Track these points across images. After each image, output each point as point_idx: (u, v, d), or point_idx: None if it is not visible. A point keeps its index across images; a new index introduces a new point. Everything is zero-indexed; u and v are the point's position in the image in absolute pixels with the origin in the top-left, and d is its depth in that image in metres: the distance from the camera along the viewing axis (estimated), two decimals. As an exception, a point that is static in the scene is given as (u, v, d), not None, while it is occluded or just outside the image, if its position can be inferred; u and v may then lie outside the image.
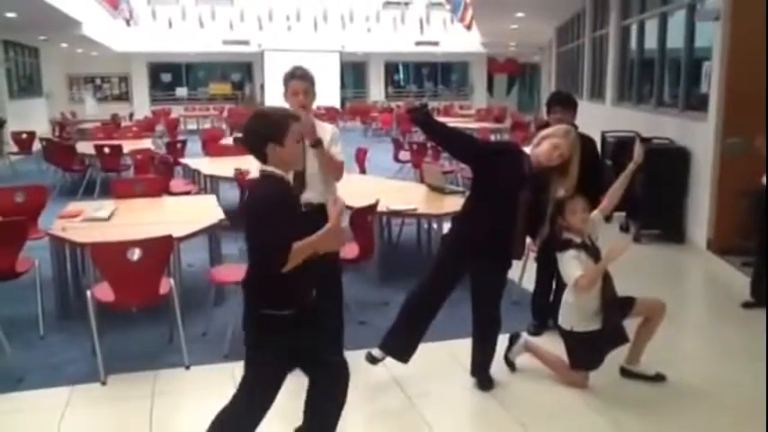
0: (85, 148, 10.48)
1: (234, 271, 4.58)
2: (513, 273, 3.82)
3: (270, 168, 2.55)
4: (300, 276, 2.53)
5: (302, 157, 2.54)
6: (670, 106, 8.17)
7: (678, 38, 7.89)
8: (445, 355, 4.13)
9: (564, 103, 4.44)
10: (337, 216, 2.54)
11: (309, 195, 3.65)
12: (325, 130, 3.78)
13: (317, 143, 3.56)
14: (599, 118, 10.08)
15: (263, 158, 2.56)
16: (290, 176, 2.63)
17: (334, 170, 3.73)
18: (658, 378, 3.76)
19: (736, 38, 6.20)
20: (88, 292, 3.91)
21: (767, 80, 5.79)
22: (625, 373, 3.80)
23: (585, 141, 4.30)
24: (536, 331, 4.35)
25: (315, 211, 3.68)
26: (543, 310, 4.47)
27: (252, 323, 2.61)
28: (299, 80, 3.70)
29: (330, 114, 20.99)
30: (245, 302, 2.61)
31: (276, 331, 2.57)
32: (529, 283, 4.73)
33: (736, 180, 6.02)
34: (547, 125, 4.36)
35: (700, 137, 6.76)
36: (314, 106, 3.90)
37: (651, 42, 9.01)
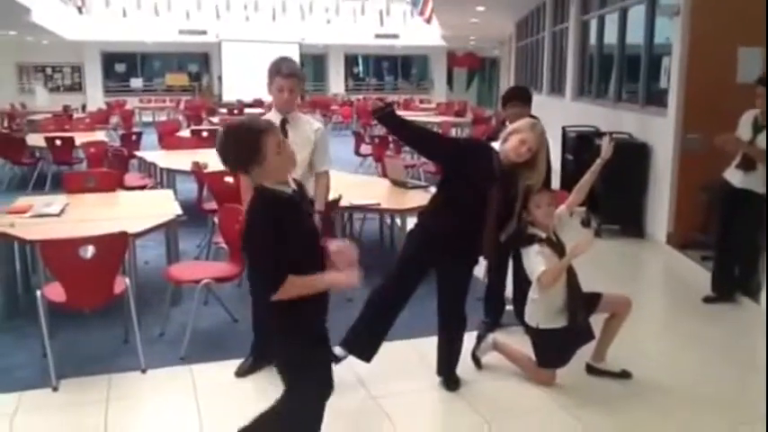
0: (36, 140, 10.11)
1: (192, 269, 4.46)
2: (477, 269, 3.77)
3: (261, 183, 2.35)
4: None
5: (291, 157, 2.34)
6: (630, 101, 8.23)
7: (638, 33, 7.95)
8: (410, 354, 4.06)
9: (523, 97, 4.43)
10: (349, 264, 2.41)
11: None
12: (311, 128, 3.76)
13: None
14: (559, 113, 10.14)
15: (251, 177, 2.37)
16: (289, 182, 2.41)
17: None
18: (624, 375, 3.75)
19: (695, 33, 6.25)
20: (38, 292, 3.72)
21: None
22: (591, 370, 3.78)
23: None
24: (488, 329, 4.21)
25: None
26: (496, 308, 4.44)
27: (291, 344, 2.47)
28: (286, 78, 3.60)
29: (289, 107, 20.76)
30: (271, 323, 2.48)
31: (314, 346, 2.49)
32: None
33: (695, 175, 6.09)
34: (504, 122, 4.32)
35: (659, 132, 6.82)
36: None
37: (611, 37, 9.07)
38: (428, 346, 3.82)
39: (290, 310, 2.35)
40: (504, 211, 3.43)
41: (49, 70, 26.03)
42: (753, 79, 5.15)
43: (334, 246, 2.44)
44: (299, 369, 2.48)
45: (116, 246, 3.80)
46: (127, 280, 3.91)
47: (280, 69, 3.61)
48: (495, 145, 3.47)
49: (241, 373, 3.75)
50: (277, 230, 2.28)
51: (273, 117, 3.68)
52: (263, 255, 2.29)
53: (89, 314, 4.16)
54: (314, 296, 2.38)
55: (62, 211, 4.80)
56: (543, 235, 3.53)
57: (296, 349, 2.46)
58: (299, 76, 3.66)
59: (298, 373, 2.49)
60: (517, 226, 3.54)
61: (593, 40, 10.12)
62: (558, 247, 3.55)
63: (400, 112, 3.71)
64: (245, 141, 2.28)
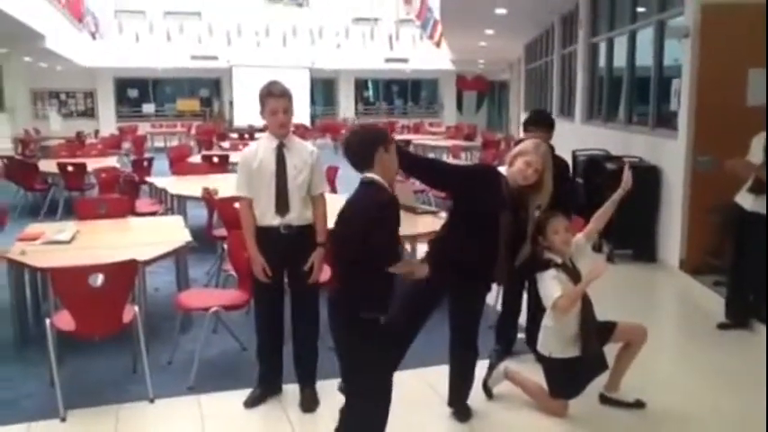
0: (49, 166, 10.19)
1: (201, 296, 4.45)
2: (489, 296, 3.73)
3: (372, 176, 2.75)
4: (392, 282, 2.77)
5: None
6: (640, 124, 8.21)
7: (647, 55, 7.95)
8: (421, 384, 4.01)
9: (537, 123, 4.40)
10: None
11: (291, 217, 3.54)
12: (306, 151, 3.68)
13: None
14: (569, 136, 10.11)
15: (368, 164, 2.75)
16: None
17: None
18: (638, 405, 3.69)
19: (705, 55, 6.23)
20: (47, 321, 3.72)
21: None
22: (604, 400, 3.72)
23: (559, 163, 4.25)
24: (498, 358, 4.15)
25: (295, 234, 3.57)
26: (508, 336, 4.38)
27: (354, 329, 2.76)
28: (278, 98, 3.54)
29: (300, 131, 20.89)
30: (339, 311, 2.80)
31: (374, 336, 2.76)
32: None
33: (707, 198, 6.04)
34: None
35: (670, 155, 6.78)
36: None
37: (620, 60, 9.08)
38: (438, 376, 3.77)
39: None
40: (516, 235, 3.40)
41: (62, 96, 26.33)
42: (762, 102, 5.12)
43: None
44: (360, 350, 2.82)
45: (125, 274, 3.80)
46: (136, 308, 3.90)
47: (271, 91, 3.54)
48: (503, 169, 3.45)
49: (250, 403, 3.72)
50: (394, 212, 2.76)
51: (268, 143, 3.61)
52: (389, 231, 2.70)
53: (98, 342, 4.14)
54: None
55: (73, 238, 4.81)
56: (559, 260, 3.50)
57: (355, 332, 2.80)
58: (290, 97, 3.59)
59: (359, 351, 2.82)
60: (532, 250, 3.51)
61: (602, 62, 10.13)
62: (574, 274, 3.51)
63: (410, 136, 3.71)
64: (377, 128, 3.06)
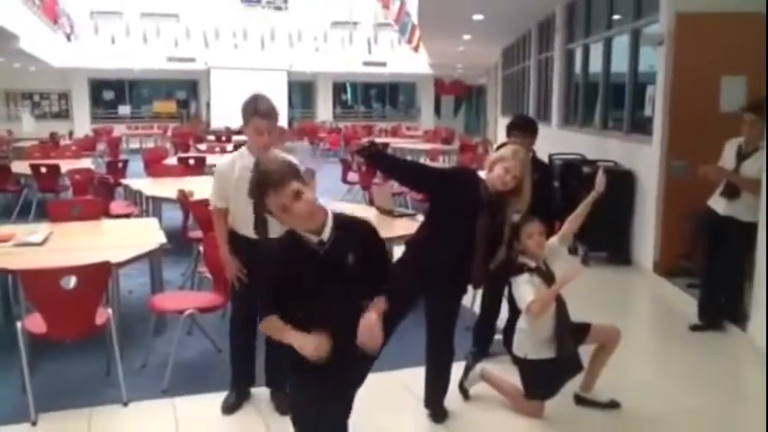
0: (21, 167, 10.03)
1: (176, 299, 4.41)
2: (466, 298, 3.74)
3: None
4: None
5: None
6: (615, 129, 8.30)
7: (622, 62, 8.04)
8: (397, 386, 4.00)
9: (520, 128, 4.44)
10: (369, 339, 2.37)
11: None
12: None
13: None
14: (545, 140, 10.11)
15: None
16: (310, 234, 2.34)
17: None
18: (612, 405, 3.72)
19: (679, 63, 6.32)
20: (18, 324, 3.65)
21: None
22: (579, 400, 3.75)
23: (540, 167, 4.29)
24: (475, 360, 4.12)
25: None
26: (485, 338, 4.40)
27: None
28: (264, 118, 3.41)
29: (277, 134, 20.76)
30: None
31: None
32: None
33: (680, 202, 6.12)
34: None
35: (644, 160, 6.86)
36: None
37: (596, 66, 9.17)
38: (414, 378, 3.77)
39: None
40: (493, 239, 3.42)
41: (36, 97, 25.94)
42: (735, 108, 5.20)
43: (366, 319, 2.36)
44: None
45: (99, 276, 3.74)
46: (110, 310, 3.85)
47: (258, 109, 3.39)
48: (482, 174, 3.47)
49: (227, 410, 3.67)
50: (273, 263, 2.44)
51: (246, 158, 3.48)
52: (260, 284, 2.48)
53: (70, 345, 4.08)
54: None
55: (45, 240, 4.74)
56: (533, 264, 3.52)
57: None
58: (276, 116, 3.48)
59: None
60: (507, 254, 3.52)
61: (578, 68, 10.23)
62: (548, 277, 3.53)
63: (388, 140, 3.72)
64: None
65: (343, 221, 2.39)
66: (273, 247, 2.51)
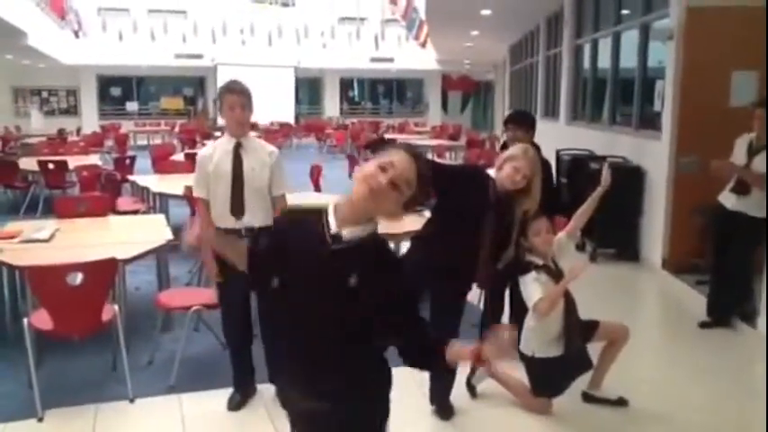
0: (29, 164, 10.07)
1: (182, 295, 4.40)
2: (473, 295, 3.72)
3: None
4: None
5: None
6: (624, 125, 8.24)
7: (631, 57, 7.98)
8: (402, 381, 3.97)
9: (516, 121, 4.42)
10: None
11: (248, 219, 3.49)
12: (264, 152, 3.61)
13: None
14: (553, 136, 10.14)
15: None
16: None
17: None
18: (621, 402, 3.69)
19: (688, 57, 6.27)
20: (25, 320, 3.66)
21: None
22: (587, 398, 3.72)
23: (543, 163, 4.25)
24: None
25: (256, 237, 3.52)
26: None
27: None
28: (237, 94, 3.48)
29: (284, 130, 20.80)
30: None
31: None
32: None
33: (690, 198, 6.07)
34: (504, 146, 4.31)
35: (654, 155, 6.81)
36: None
37: (605, 61, 9.11)
38: (419, 373, 3.74)
39: None
40: (501, 239, 3.39)
41: (44, 94, 26.06)
42: (745, 103, 5.15)
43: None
44: None
45: (105, 272, 3.74)
46: (116, 307, 3.85)
47: (229, 87, 3.50)
48: (491, 172, 3.44)
49: (234, 407, 3.67)
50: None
51: (226, 143, 3.56)
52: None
53: (77, 342, 4.08)
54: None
55: (52, 237, 4.73)
56: (541, 262, 3.49)
57: None
58: (249, 94, 3.52)
59: None
60: (515, 253, 3.50)
61: (586, 63, 10.16)
62: (556, 274, 3.51)
63: (395, 136, 3.69)
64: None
65: (379, 242, 1.98)
66: (286, 215, 2.38)
